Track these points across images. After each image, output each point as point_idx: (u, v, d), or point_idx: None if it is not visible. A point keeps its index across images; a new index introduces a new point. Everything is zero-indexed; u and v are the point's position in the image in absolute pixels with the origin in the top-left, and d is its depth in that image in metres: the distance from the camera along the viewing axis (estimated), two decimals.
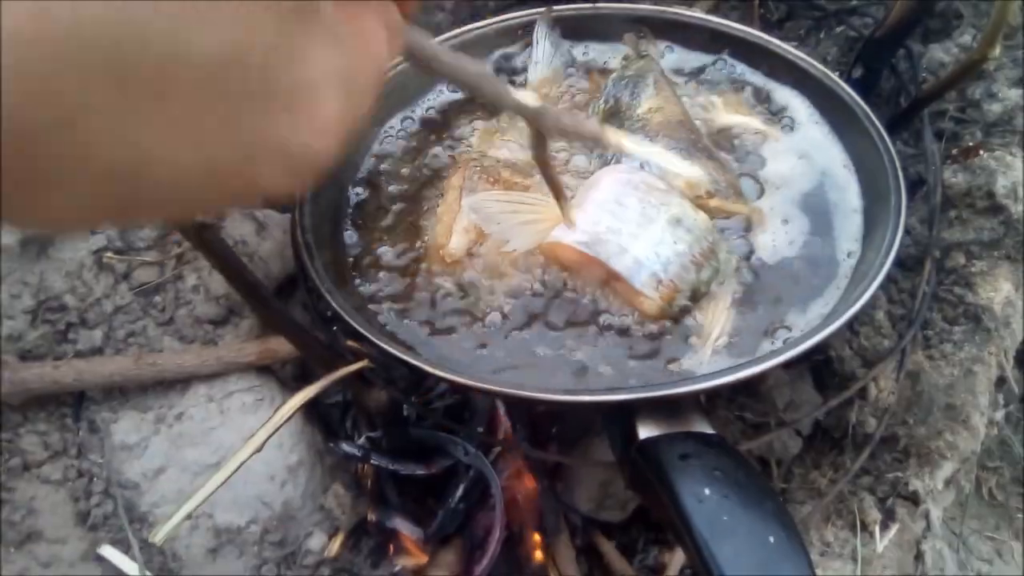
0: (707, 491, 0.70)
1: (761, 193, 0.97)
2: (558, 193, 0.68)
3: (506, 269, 0.89)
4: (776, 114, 1.06)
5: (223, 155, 0.26)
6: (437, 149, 1.05)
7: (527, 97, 0.49)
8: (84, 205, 0.25)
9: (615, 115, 1.02)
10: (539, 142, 0.56)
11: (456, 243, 0.90)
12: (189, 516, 0.76)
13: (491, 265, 0.89)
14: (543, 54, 1.09)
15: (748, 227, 0.93)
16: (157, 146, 0.24)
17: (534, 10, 1.15)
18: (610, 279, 0.85)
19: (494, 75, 0.45)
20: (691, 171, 0.83)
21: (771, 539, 0.68)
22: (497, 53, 1.13)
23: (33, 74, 0.20)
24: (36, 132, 0.21)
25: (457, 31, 1.14)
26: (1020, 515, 1.25)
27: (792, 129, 1.04)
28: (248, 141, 0.26)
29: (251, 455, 0.77)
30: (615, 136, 0.58)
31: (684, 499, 0.70)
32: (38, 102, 0.21)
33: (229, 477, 0.76)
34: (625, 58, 1.09)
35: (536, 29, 1.10)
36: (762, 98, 1.08)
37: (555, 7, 1.16)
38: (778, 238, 0.93)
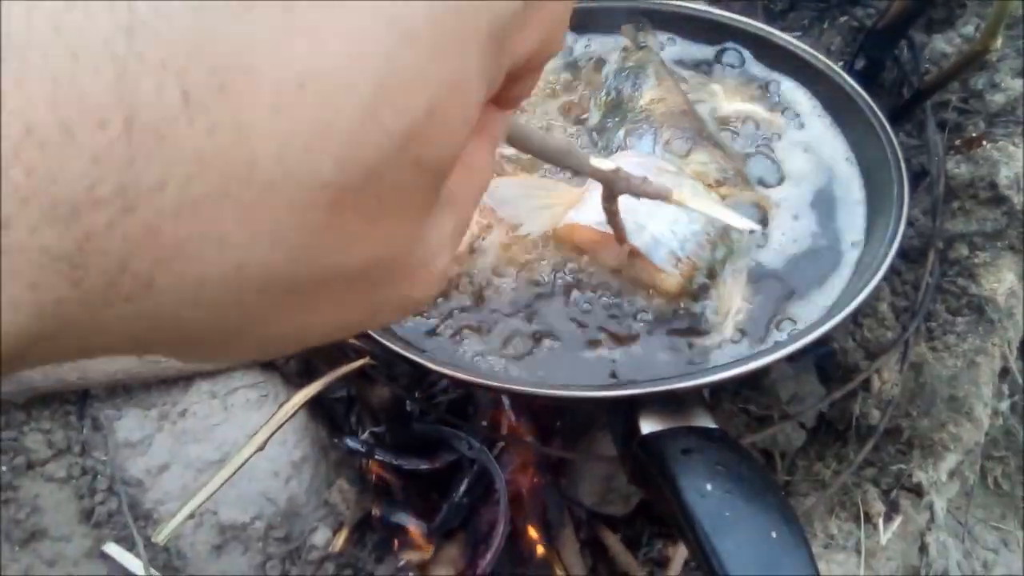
0: (709, 486, 0.70)
1: (769, 183, 0.97)
2: (621, 237, 0.79)
3: (510, 261, 0.89)
4: (778, 105, 1.06)
5: (357, 319, 0.33)
6: None
7: (604, 163, 0.59)
8: (244, 356, 0.36)
9: (617, 107, 1.02)
10: (609, 197, 0.67)
11: None
12: (192, 515, 0.76)
13: (495, 258, 0.89)
14: None
15: (760, 217, 0.94)
16: (311, 325, 0.31)
17: None
18: (628, 259, 0.85)
19: (575, 146, 0.51)
20: (744, 223, 0.83)
21: (773, 534, 0.68)
22: None
23: (235, 305, 0.27)
24: (224, 331, 0.29)
25: None
26: None
27: (795, 120, 1.04)
28: (377, 306, 0.33)
29: (253, 454, 0.77)
30: (679, 196, 0.67)
31: (686, 494, 0.70)
32: (226, 320, 0.28)
33: (231, 476, 0.76)
34: (624, 49, 1.08)
35: None
36: (764, 89, 1.08)
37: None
38: (784, 229, 0.93)
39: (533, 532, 1.05)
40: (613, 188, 0.65)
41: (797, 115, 1.04)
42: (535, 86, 0.36)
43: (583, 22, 1.14)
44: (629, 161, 0.87)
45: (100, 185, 0.21)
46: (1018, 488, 1.26)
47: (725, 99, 1.06)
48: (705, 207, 0.76)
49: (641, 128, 0.98)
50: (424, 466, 1.04)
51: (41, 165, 0.20)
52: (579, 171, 0.56)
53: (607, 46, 1.12)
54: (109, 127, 0.21)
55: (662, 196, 0.63)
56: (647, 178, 0.67)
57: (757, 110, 1.05)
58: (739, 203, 0.94)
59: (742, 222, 0.77)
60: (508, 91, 0.34)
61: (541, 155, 0.55)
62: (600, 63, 1.10)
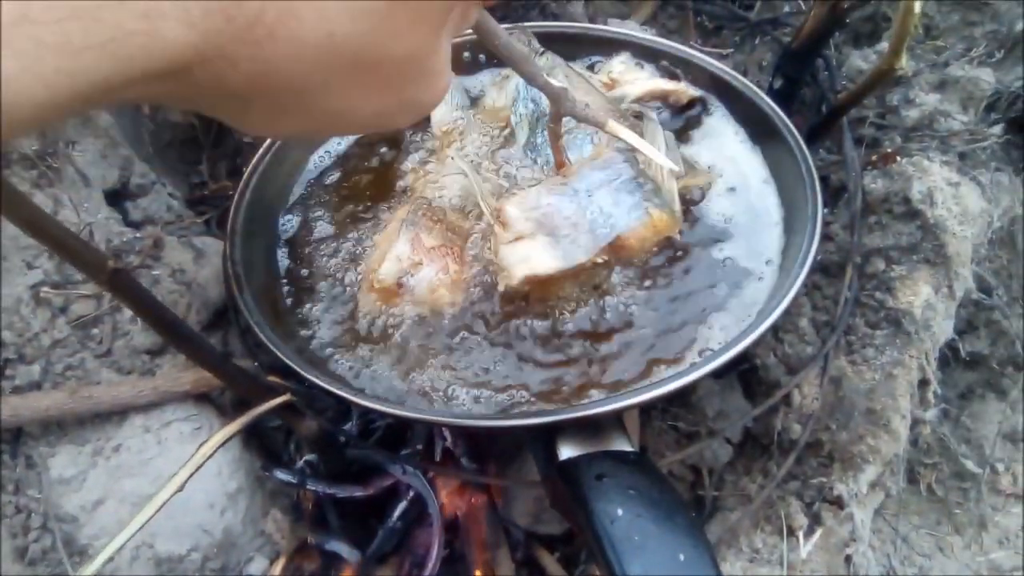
0: (620, 511, 0.71)
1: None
2: (560, 163, 0.86)
3: (435, 299, 0.90)
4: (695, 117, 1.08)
5: (390, 108, 0.46)
6: (373, 178, 1.07)
7: (555, 81, 0.66)
8: (302, 129, 0.45)
9: (541, 119, 1.02)
10: (555, 118, 0.73)
11: (387, 269, 0.91)
12: (111, 559, 0.77)
13: (420, 295, 0.90)
14: None
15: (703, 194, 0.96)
16: (357, 104, 0.43)
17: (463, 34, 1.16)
18: (613, 253, 0.88)
19: (534, 58, 0.59)
20: (667, 162, 0.86)
21: (681, 557, 0.69)
22: None
23: (318, 66, 0.38)
24: (302, 91, 0.40)
25: None
26: (959, 510, 1.26)
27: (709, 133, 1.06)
28: (404, 100, 0.46)
29: (173, 495, 0.78)
30: (614, 125, 0.71)
31: (598, 519, 0.71)
32: (310, 79, 0.39)
33: (151, 517, 0.77)
34: None
35: None
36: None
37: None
38: (703, 248, 0.95)
39: (469, 554, 1.06)
40: (560, 107, 0.69)
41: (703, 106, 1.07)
42: None
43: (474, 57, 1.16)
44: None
45: None
46: (952, 494, 1.28)
47: (628, 84, 1.07)
48: (636, 141, 0.78)
49: (575, 137, 0.99)
50: (359, 493, 1.05)
51: None
52: (531, 81, 0.59)
53: (496, 75, 1.14)
54: None
55: (599, 124, 0.67)
56: (588, 104, 0.71)
57: (661, 84, 1.07)
58: (696, 187, 0.97)
59: (666, 160, 0.80)
60: None
61: (503, 53, 0.62)
62: (502, 82, 1.11)
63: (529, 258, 0.87)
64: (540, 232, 0.88)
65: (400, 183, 1.05)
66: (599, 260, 0.89)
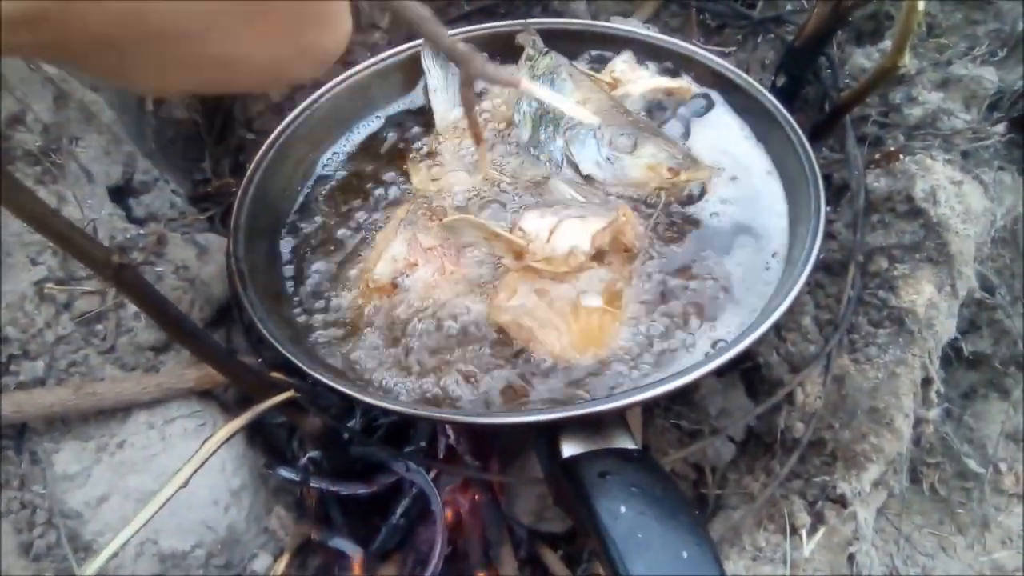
0: (623, 508, 0.71)
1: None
2: (477, 136, 0.78)
3: (430, 299, 0.90)
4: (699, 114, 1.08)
5: (287, 54, 0.42)
6: (377, 177, 1.07)
7: (458, 42, 0.60)
8: (191, 80, 0.42)
9: (544, 116, 1.03)
10: (466, 83, 0.67)
11: (381, 270, 0.91)
12: (117, 552, 0.77)
13: (416, 295, 0.90)
14: (438, 80, 1.10)
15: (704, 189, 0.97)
16: (249, 51, 0.39)
17: (466, 29, 1.16)
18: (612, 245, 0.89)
19: (436, 19, 0.55)
20: (584, 115, 0.86)
21: (684, 554, 0.70)
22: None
23: (198, 7, 0.34)
24: (182, 37, 0.35)
25: (392, 51, 1.16)
26: (962, 510, 1.26)
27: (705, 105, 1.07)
28: (303, 46, 0.42)
29: (176, 491, 0.78)
30: (528, 84, 0.69)
31: (601, 516, 0.71)
32: (190, 22, 0.35)
33: (155, 514, 0.77)
34: (528, 58, 1.09)
35: (423, 59, 1.11)
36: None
37: (486, 26, 1.18)
38: (707, 241, 0.95)
39: (472, 551, 1.06)
40: (470, 69, 0.66)
41: (705, 100, 1.07)
42: None
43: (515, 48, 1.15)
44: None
45: None
46: (955, 494, 1.28)
47: (632, 82, 1.07)
48: (553, 99, 0.78)
49: (579, 134, 0.99)
50: (362, 490, 1.05)
51: None
52: (436, 44, 0.57)
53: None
54: None
55: (512, 83, 0.65)
56: (499, 65, 0.71)
57: (664, 82, 1.07)
58: (697, 181, 0.97)
59: (587, 116, 0.80)
60: None
61: (399, 13, 0.58)
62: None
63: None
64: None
65: (403, 182, 1.05)
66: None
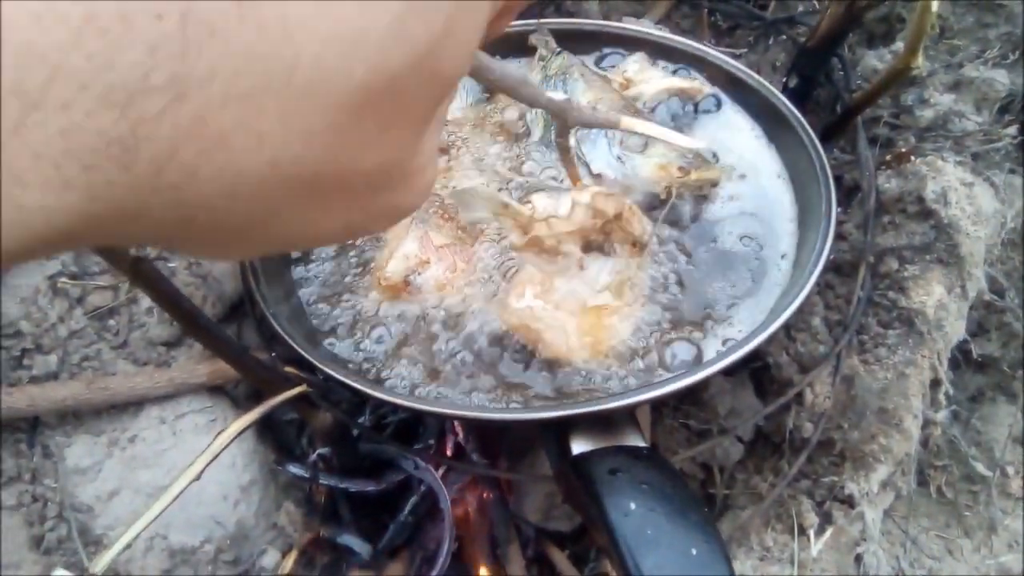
0: (633, 505, 0.72)
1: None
2: (574, 177, 0.86)
3: (442, 297, 0.90)
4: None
5: (361, 219, 0.37)
6: None
7: (556, 95, 0.65)
8: (255, 254, 0.44)
9: (558, 116, 1.03)
10: (563, 131, 0.71)
11: (393, 267, 0.91)
12: (128, 546, 0.77)
13: (427, 293, 0.91)
14: None
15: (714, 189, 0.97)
16: (320, 224, 0.35)
17: None
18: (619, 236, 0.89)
19: (530, 77, 0.56)
20: (690, 143, 0.87)
21: (694, 551, 0.70)
22: None
23: (260, 198, 0.29)
24: (244, 227, 0.31)
25: None
26: (968, 512, 1.26)
27: (714, 103, 1.07)
28: (380, 209, 0.37)
29: (189, 484, 0.79)
30: (628, 121, 0.73)
31: (611, 513, 0.71)
32: (252, 213, 0.30)
33: (167, 507, 0.78)
34: (541, 58, 1.10)
35: None
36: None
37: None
38: (717, 240, 0.95)
39: (479, 549, 1.07)
40: (568, 119, 0.67)
41: (717, 98, 1.07)
42: (511, 21, 0.40)
43: (491, 52, 1.15)
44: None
45: (154, 74, 0.22)
46: (962, 496, 1.28)
47: (643, 82, 1.07)
48: (653, 130, 0.78)
49: (590, 134, 0.99)
50: (371, 487, 1.05)
51: (101, 52, 0.21)
52: (533, 103, 0.57)
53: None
54: (166, 19, 0.22)
55: (612, 124, 0.66)
56: (596, 107, 0.70)
57: (676, 82, 1.07)
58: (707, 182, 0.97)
59: (690, 142, 0.80)
60: (496, 21, 0.37)
61: (500, 84, 0.59)
62: None
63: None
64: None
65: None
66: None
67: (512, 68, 0.56)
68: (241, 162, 0.27)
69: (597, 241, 0.88)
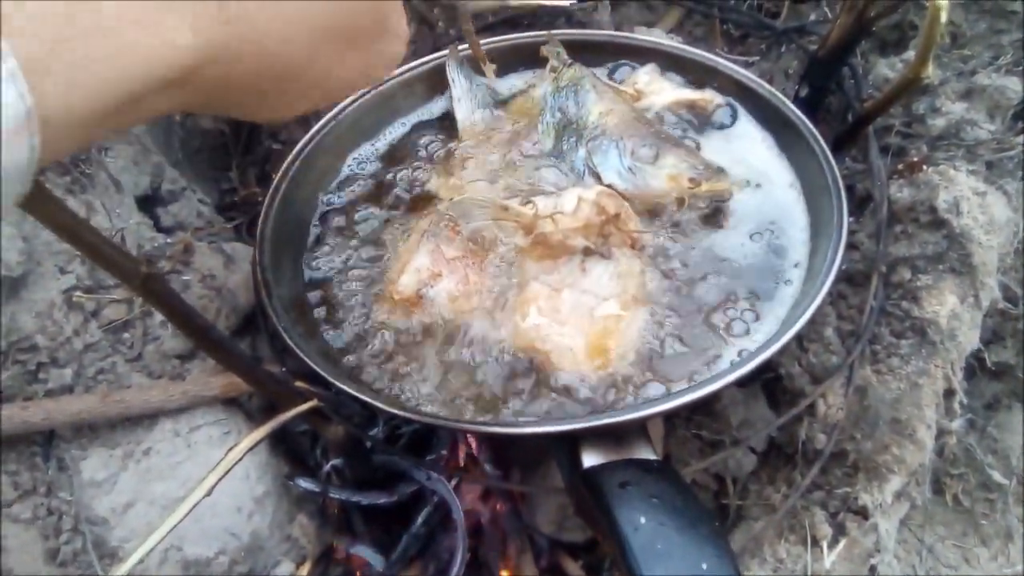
0: (643, 519, 0.72)
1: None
2: (481, 57, 1.01)
3: (454, 310, 0.91)
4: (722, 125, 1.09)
5: (366, 66, 0.54)
6: (398, 189, 1.08)
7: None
8: (308, 101, 0.52)
9: (568, 127, 1.04)
10: (464, 19, 0.89)
11: (406, 281, 0.92)
12: (141, 561, 0.78)
13: (440, 306, 0.91)
14: (462, 90, 1.11)
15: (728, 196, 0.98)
16: (342, 67, 0.51)
17: (491, 40, 1.17)
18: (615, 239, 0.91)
19: None
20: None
21: (704, 566, 0.70)
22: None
23: (302, 41, 0.45)
24: (297, 68, 0.46)
25: (415, 62, 1.17)
26: (985, 521, 1.26)
27: (729, 117, 1.07)
28: (378, 55, 0.54)
29: (201, 499, 0.79)
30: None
31: (621, 527, 0.72)
32: (299, 54, 0.46)
33: (181, 520, 0.78)
34: (552, 70, 1.10)
35: (448, 69, 1.13)
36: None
37: (510, 37, 1.18)
38: (729, 252, 0.95)
39: (492, 560, 1.07)
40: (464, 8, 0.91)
41: (732, 110, 1.07)
42: None
43: (503, 63, 1.16)
44: None
45: None
46: (978, 505, 1.27)
47: (655, 94, 1.08)
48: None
49: (601, 144, 1.00)
50: (383, 499, 1.06)
51: None
52: None
53: (527, 78, 1.15)
54: None
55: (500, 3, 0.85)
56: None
57: (687, 93, 1.07)
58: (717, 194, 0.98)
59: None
60: None
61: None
62: (527, 90, 1.13)
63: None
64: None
65: (427, 190, 1.06)
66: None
67: None
68: (288, 13, 0.42)
69: (597, 244, 0.89)
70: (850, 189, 1.09)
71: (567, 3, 0.91)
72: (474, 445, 1.10)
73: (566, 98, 1.06)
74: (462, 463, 1.10)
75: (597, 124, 1.02)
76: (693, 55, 1.13)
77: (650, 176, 0.97)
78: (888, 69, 1.18)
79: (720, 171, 0.98)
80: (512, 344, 0.87)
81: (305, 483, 1.05)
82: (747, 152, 1.04)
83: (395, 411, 0.82)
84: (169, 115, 1.36)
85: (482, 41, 1.16)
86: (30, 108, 0.30)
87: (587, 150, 1.00)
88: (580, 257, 0.89)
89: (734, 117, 1.08)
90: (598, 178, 0.99)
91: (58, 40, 0.31)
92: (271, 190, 1.05)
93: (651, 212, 0.97)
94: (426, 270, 0.92)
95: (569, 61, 1.09)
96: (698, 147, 1.04)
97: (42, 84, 0.30)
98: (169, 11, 0.36)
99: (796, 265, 0.93)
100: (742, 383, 1.05)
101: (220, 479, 0.81)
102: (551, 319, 0.86)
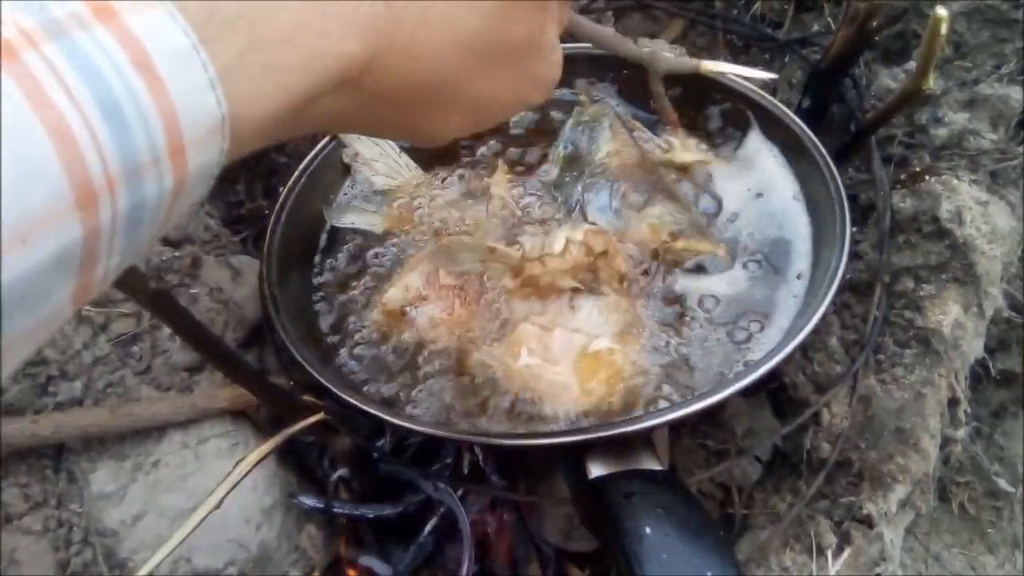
0: (648, 529, 0.72)
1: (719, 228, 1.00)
2: (670, 121, 1.03)
3: (432, 335, 0.92)
4: (728, 143, 1.09)
5: (524, 87, 0.54)
6: (411, 206, 1.08)
7: (642, 46, 0.87)
8: (462, 123, 0.53)
9: (575, 160, 1.05)
10: (653, 79, 0.87)
11: (391, 295, 0.93)
12: (151, 573, 0.78)
13: (420, 328, 0.92)
14: (371, 152, 1.12)
15: (717, 264, 0.97)
16: (498, 89, 0.51)
17: None
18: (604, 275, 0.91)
19: (619, 34, 0.85)
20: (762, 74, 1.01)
21: (709, 575, 0.70)
22: None
23: (453, 61, 0.46)
24: (447, 87, 0.47)
25: None
26: (992, 529, 1.26)
27: (745, 160, 1.07)
28: (534, 77, 0.54)
29: (209, 513, 0.80)
30: (707, 65, 0.95)
31: (626, 537, 0.72)
32: (450, 74, 0.46)
33: (188, 535, 0.79)
34: (580, 104, 1.11)
35: (344, 155, 1.14)
36: (715, 129, 1.12)
37: None
38: (734, 272, 0.96)
39: (499, 570, 1.07)
40: (656, 67, 0.93)
41: (746, 153, 1.07)
42: None
43: None
44: None
45: None
46: (985, 513, 1.27)
47: (681, 149, 1.08)
48: (729, 68, 0.97)
49: (598, 183, 1.01)
50: (388, 511, 1.06)
51: None
52: (622, 53, 0.79)
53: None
54: None
55: (692, 68, 0.91)
56: (679, 53, 0.93)
57: (709, 157, 1.08)
58: (697, 254, 0.97)
59: (759, 74, 0.96)
60: None
61: (593, 39, 0.87)
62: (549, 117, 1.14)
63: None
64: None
65: (436, 217, 1.07)
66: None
67: (601, 27, 0.88)
68: (439, 31, 0.43)
69: (586, 281, 0.89)
70: (853, 199, 1.09)
71: (768, 76, 0.94)
72: (479, 456, 1.11)
73: (582, 132, 1.07)
74: (468, 472, 1.10)
75: (601, 163, 1.03)
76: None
77: (632, 221, 0.97)
78: (890, 79, 1.19)
79: (704, 233, 0.98)
80: (506, 382, 0.88)
81: (308, 500, 1.05)
82: (752, 161, 1.05)
83: (401, 423, 0.83)
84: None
85: None
86: (224, 114, 0.31)
87: (583, 186, 1.02)
88: (568, 295, 0.90)
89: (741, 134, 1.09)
90: (584, 214, 1.00)
91: (245, 50, 0.32)
92: (278, 205, 1.06)
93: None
94: (414, 289, 0.93)
95: (596, 97, 1.11)
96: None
97: (232, 90, 0.32)
98: (338, 20, 0.38)
99: (800, 276, 0.94)
100: (747, 393, 1.05)
101: (229, 491, 0.81)
102: (543, 359, 0.87)
